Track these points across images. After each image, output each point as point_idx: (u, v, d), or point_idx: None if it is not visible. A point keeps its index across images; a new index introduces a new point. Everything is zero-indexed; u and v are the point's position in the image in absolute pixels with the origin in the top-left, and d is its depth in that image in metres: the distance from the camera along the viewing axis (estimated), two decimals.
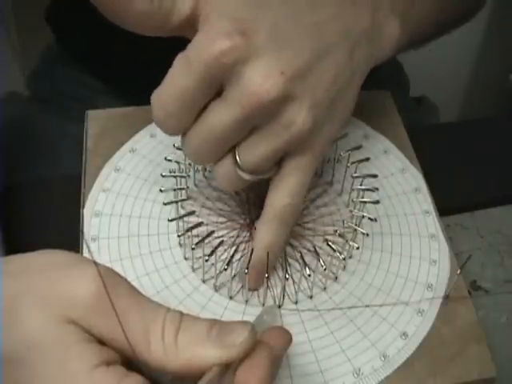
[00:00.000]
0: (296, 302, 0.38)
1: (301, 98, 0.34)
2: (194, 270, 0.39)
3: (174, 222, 0.40)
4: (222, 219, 0.42)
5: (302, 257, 0.37)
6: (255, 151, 0.35)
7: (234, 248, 0.39)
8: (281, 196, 0.36)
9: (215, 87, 0.34)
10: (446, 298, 0.38)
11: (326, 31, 0.35)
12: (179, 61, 0.33)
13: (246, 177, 0.36)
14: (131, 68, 0.58)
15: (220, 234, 0.40)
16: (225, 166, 0.36)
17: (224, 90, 0.34)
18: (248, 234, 0.41)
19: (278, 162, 0.36)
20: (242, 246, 0.40)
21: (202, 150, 0.35)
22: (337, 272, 0.39)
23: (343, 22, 0.36)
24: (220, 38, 0.32)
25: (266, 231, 0.37)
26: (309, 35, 0.34)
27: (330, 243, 0.38)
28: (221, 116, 0.33)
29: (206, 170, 0.44)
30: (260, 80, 0.32)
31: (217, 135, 0.34)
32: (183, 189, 0.41)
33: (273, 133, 0.34)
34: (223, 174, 0.36)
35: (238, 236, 0.41)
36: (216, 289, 0.38)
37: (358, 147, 0.44)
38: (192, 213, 0.40)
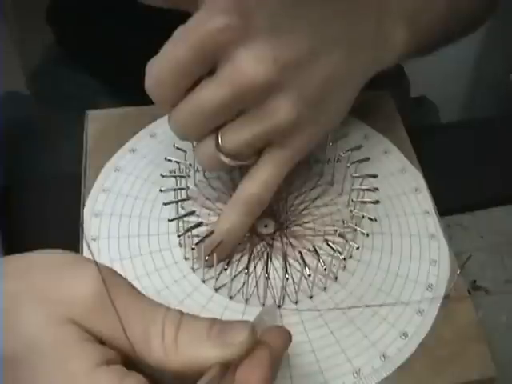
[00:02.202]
0: (296, 302, 0.38)
1: (289, 89, 0.34)
2: (194, 270, 0.39)
3: (174, 222, 0.40)
4: None
5: (302, 257, 0.37)
6: (237, 135, 0.35)
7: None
8: (251, 184, 0.37)
9: (208, 63, 0.34)
10: (446, 298, 0.38)
11: (328, 29, 0.35)
12: (177, 32, 0.33)
13: (226, 160, 0.36)
14: (131, 68, 0.58)
15: None
16: (206, 146, 0.36)
17: (217, 69, 0.34)
18: (247, 234, 0.41)
19: (259, 152, 0.37)
20: (241, 246, 0.40)
21: (187, 125, 0.36)
22: (337, 272, 0.39)
23: (348, 22, 0.36)
24: (218, 15, 0.32)
25: (229, 215, 0.37)
26: (310, 30, 0.34)
27: (329, 243, 0.38)
28: (210, 93, 0.34)
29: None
30: (252, 63, 0.33)
31: (203, 112, 0.34)
32: (183, 189, 0.41)
33: (256, 118, 0.35)
34: (203, 153, 0.37)
35: None
36: (216, 289, 0.38)
37: (358, 147, 0.44)
38: (192, 213, 0.40)
